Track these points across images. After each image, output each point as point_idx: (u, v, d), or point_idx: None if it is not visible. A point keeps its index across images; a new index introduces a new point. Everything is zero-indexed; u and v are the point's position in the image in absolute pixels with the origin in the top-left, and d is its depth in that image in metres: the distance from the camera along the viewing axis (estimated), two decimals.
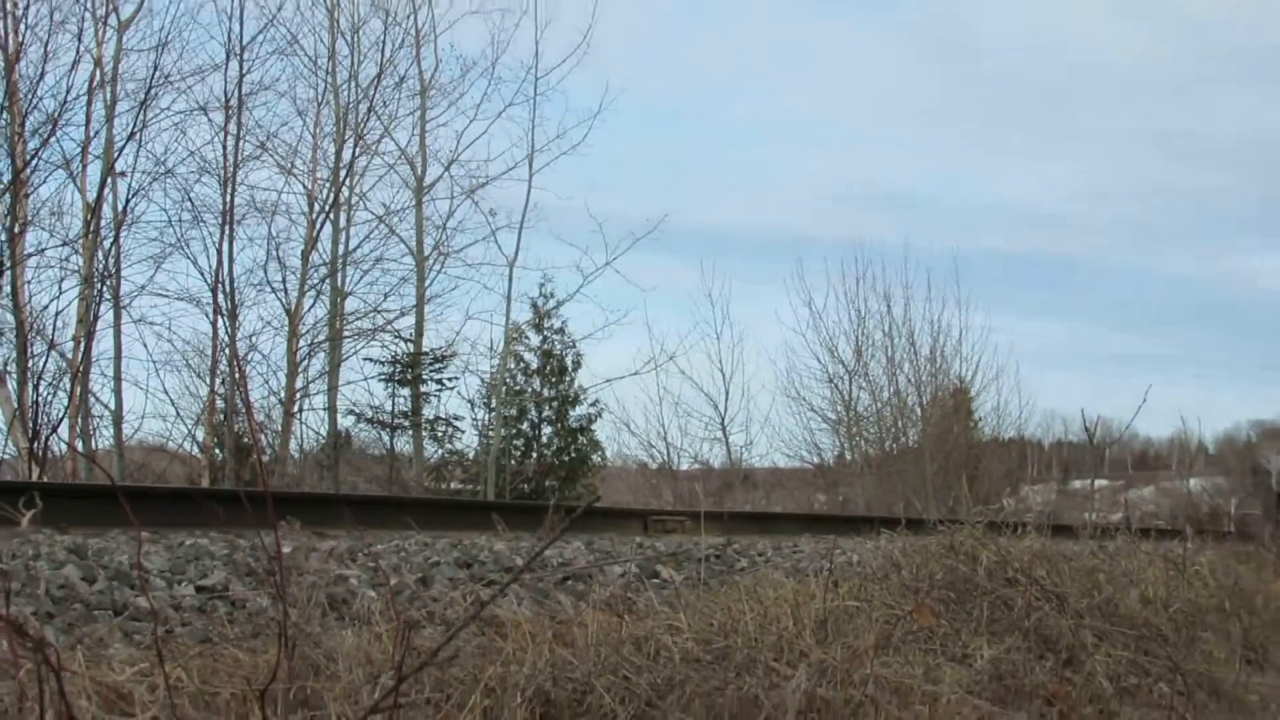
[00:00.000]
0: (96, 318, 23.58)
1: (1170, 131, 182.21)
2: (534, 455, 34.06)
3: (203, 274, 25.39)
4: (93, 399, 23.52)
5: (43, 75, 23.17)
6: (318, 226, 26.70)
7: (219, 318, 25.52)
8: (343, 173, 26.80)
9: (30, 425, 21.93)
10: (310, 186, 26.73)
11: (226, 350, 25.69)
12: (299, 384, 26.69)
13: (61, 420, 22.90)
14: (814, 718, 6.83)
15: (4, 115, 22.33)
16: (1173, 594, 12.28)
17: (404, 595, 8.09)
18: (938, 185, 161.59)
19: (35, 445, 21.82)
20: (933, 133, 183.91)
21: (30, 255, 22.65)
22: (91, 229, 23.39)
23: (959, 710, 7.80)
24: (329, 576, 8.00)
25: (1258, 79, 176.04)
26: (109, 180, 23.49)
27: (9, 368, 21.82)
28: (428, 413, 29.76)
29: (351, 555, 8.52)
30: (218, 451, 26.04)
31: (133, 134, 23.89)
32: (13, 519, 4.47)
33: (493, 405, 31.01)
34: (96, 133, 23.44)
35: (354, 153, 26.95)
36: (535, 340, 34.43)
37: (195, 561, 7.90)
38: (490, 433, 30.90)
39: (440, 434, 31.13)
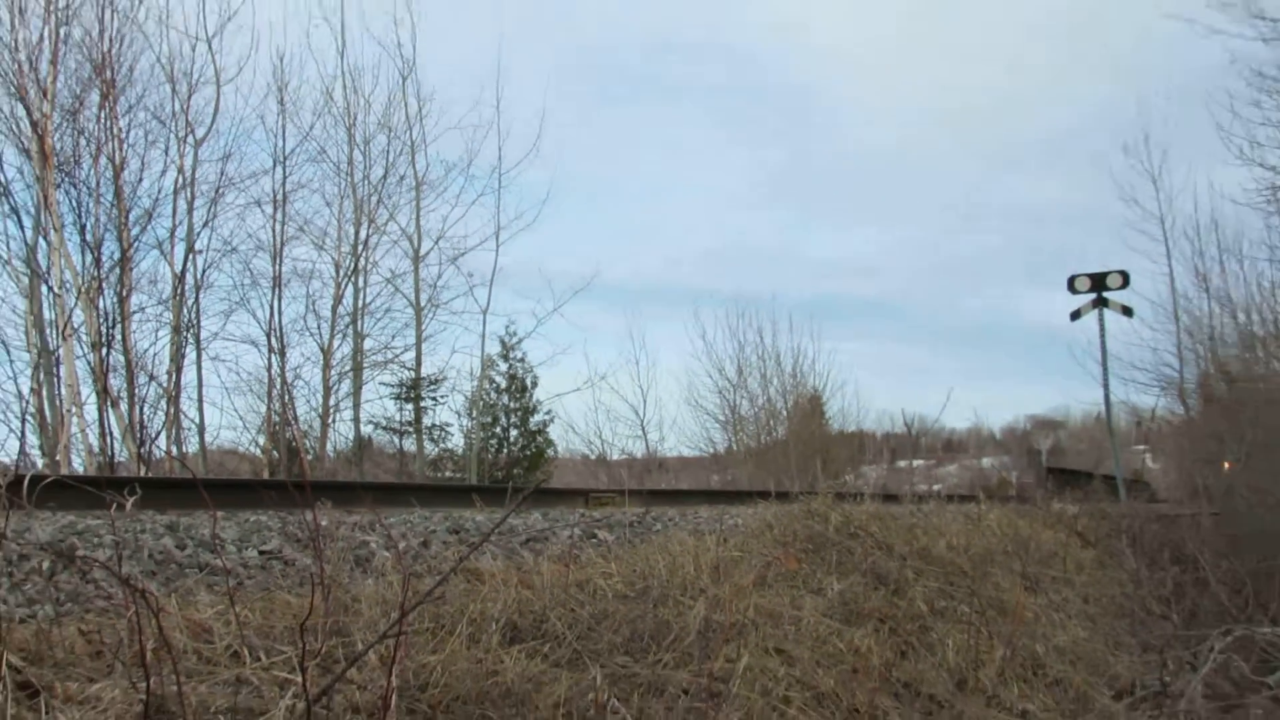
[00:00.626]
0: (183, 356, 23.53)
1: (956, 203, 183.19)
2: (504, 451, 34.06)
3: (260, 323, 25.40)
4: (183, 416, 23.43)
5: (140, 180, 23.14)
6: (343, 287, 26.74)
7: (272, 355, 25.53)
8: (360, 247, 26.87)
9: (137, 436, 21.84)
10: (336, 258, 26.76)
11: (279, 379, 25.67)
12: (331, 402, 26.68)
13: (160, 432, 22.84)
14: (710, 635, 6.85)
15: (114, 210, 22.26)
16: (970, 541, 12.37)
17: (409, 554, 8.11)
18: (794, 242, 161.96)
19: (141, 450, 21.73)
20: (785, 204, 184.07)
21: (135, 312, 22.58)
22: (178, 292, 23.33)
23: (815, 628, 7.84)
24: (354, 542, 8.02)
25: (1014, 166, 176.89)
26: (190, 257, 23.46)
27: (121, 394, 21.71)
28: (426, 421, 29.79)
29: (371, 526, 8.53)
30: (274, 453, 26.01)
31: (206, 222, 23.95)
32: (122, 503, 4.48)
33: (473, 415, 31.03)
34: (180, 222, 23.40)
35: (368, 232, 27.07)
36: (503, 367, 34.44)
37: (257, 533, 7.91)
38: (472, 435, 30.92)
39: (436, 437, 31.18)
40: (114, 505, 4.52)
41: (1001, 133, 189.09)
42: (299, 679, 4.26)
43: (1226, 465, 23.32)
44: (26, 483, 4.31)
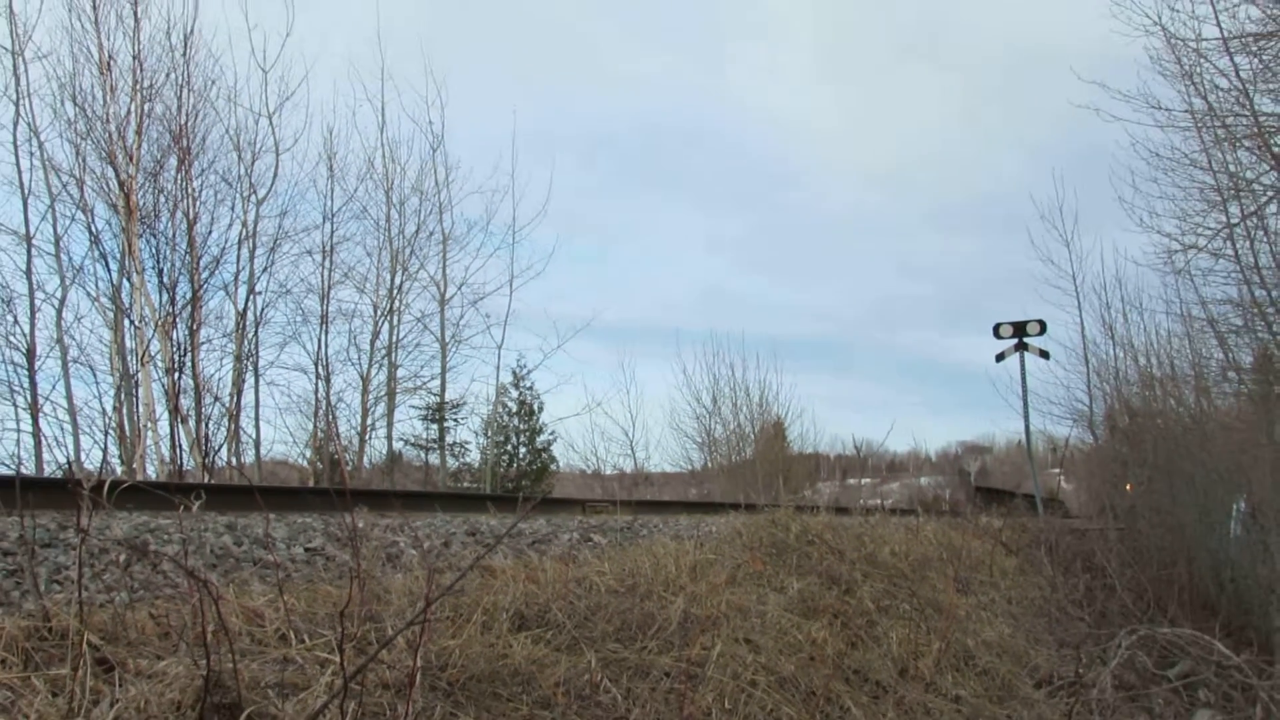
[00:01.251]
0: (244, 381, 23.51)
1: (898, 256, 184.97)
2: (515, 465, 34.15)
3: (309, 354, 25.44)
4: (242, 432, 23.42)
5: (210, 232, 23.26)
6: (379, 325, 26.75)
7: (319, 381, 25.53)
8: (395, 291, 26.91)
9: (203, 448, 21.82)
10: (375, 300, 26.78)
11: (324, 402, 25.69)
12: (368, 422, 26.62)
13: (222, 445, 22.82)
14: (689, 626, 6.83)
15: (187, 257, 22.33)
16: (910, 548, 12.35)
17: (433, 553, 8.09)
18: (761, 292, 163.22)
19: (206, 461, 21.70)
20: (754, 257, 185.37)
21: (203, 343, 22.61)
22: (240, 327, 23.35)
23: (778, 621, 7.82)
24: (386, 541, 8.00)
25: (945, 226, 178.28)
26: (250, 297, 23.52)
27: (190, 413, 21.70)
28: (449, 439, 29.76)
29: (400, 528, 8.51)
30: (319, 464, 25.99)
31: (265, 268, 24.02)
32: (189, 506, 4.46)
33: (489, 434, 31.05)
34: (243, 268, 23.44)
35: (401, 279, 27.09)
36: (515, 394, 34.56)
37: (304, 532, 7.89)
38: (487, 451, 30.93)
39: (456, 452, 31.20)
40: (181, 507, 4.50)
41: (934, 197, 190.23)
42: (337, 659, 4.24)
43: (1129, 487, 23.38)
44: (106, 487, 4.28)
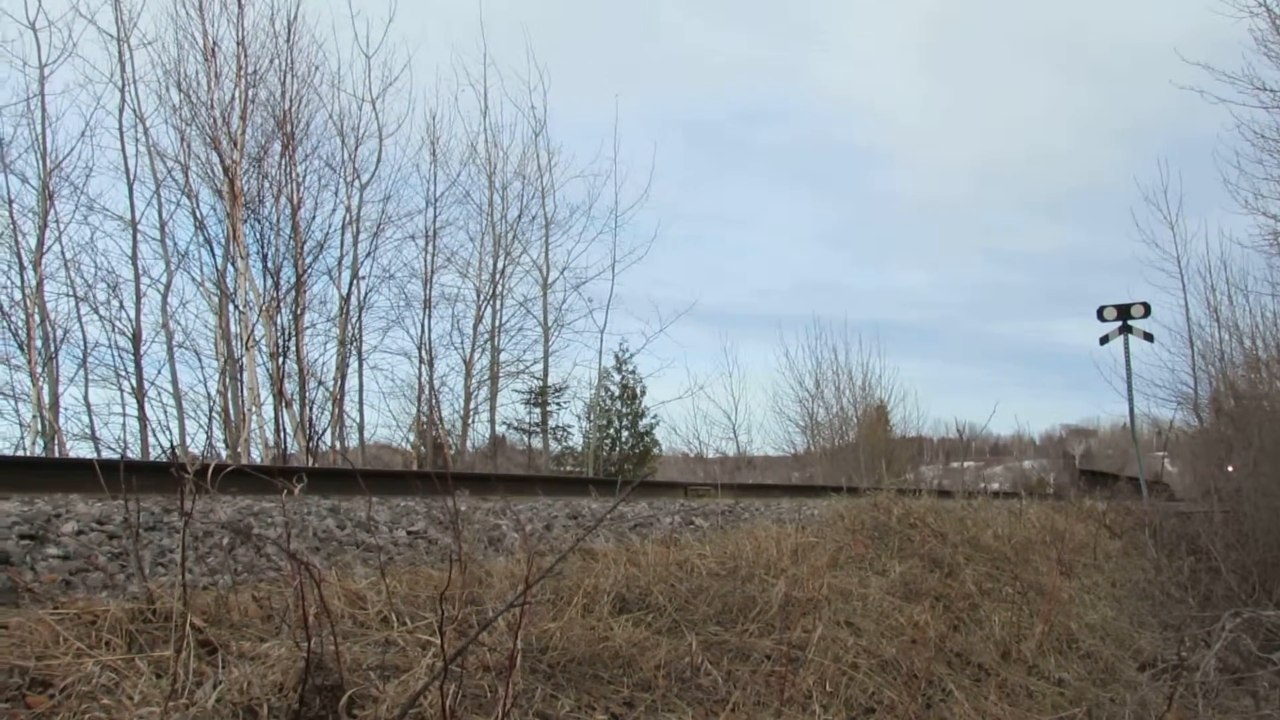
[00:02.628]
0: (347, 366, 23.69)
1: (992, 248, 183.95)
2: (617, 449, 34.13)
3: (412, 339, 25.58)
4: (346, 416, 23.60)
5: (314, 217, 23.43)
6: (482, 309, 26.85)
7: (422, 366, 25.67)
8: (497, 276, 26.99)
9: (307, 432, 22.01)
10: (478, 284, 26.89)
11: (427, 386, 25.81)
12: (471, 406, 26.76)
13: (326, 429, 22.99)
14: (789, 609, 6.79)
15: (291, 242, 22.53)
16: (1013, 532, 12.26)
17: (535, 536, 8.10)
18: (854, 278, 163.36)
19: (310, 445, 21.89)
20: (853, 244, 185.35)
21: (307, 328, 22.78)
22: (344, 311, 23.51)
23: (880, 604, 7.77)
24: (488, 525, 8.02)
25: (1039, 214, 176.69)
26: (354, 282, 23.65)
27: (294, 397, 21.89)
28: (551, 423, 29.79)
29: (502, 511, 8.52)
30: (422, 448, 26.15)
31: (369, 253, 24.16)
32: (291, 489, 4.47)
33: (591, 418, 31.05)
34: (346, 252, 23.58)
35: (504, 263, 27.18)
36: (617, 378, 34.51)
37: (406, 516, 7.92)
38: (590, 435, 30.95)
39: (559, 436, 31.23)
40: (284, 491, 4.51)
41: (1031, 187, 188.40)
42: (438, 641, 4.24)
43: (1230, 469, 23.13)
44: (210, 471, 4.30)
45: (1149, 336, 26.03)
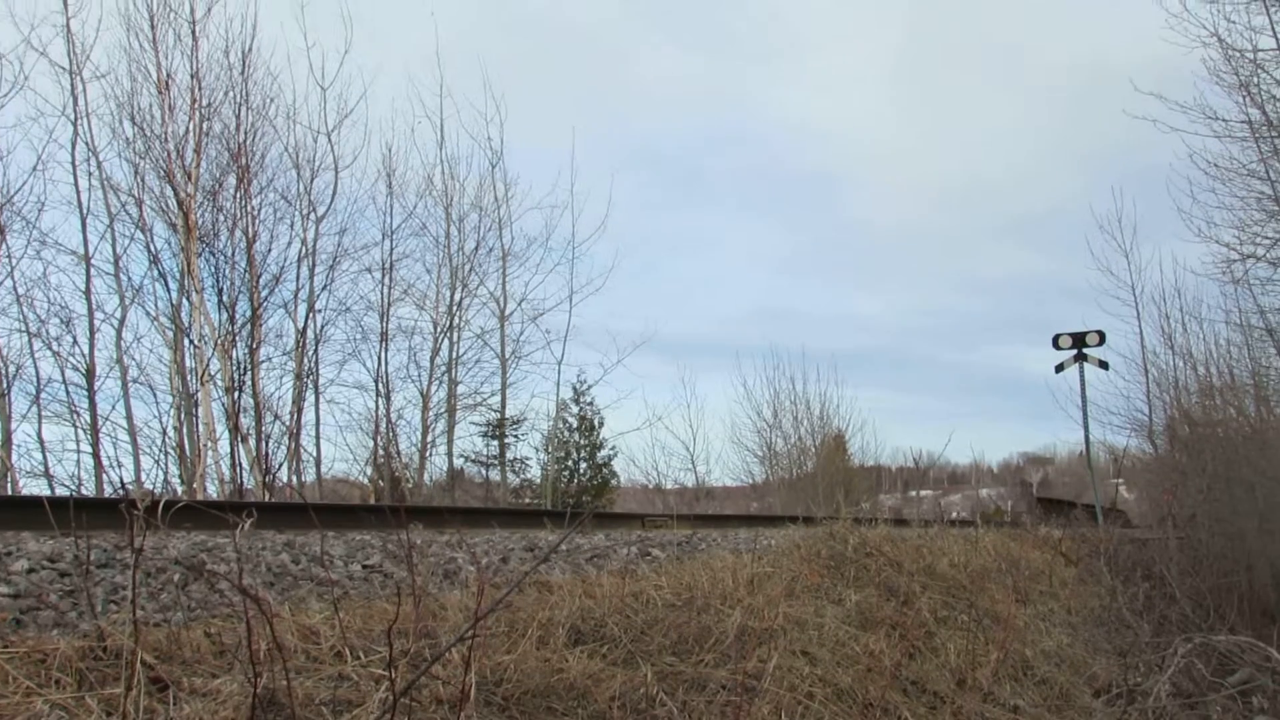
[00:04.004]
0: (304, 399, 23.61)
1: (954, 274, 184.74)
2: (575, 481, 34.18)
3: (369, 372, 25.57)
4: (302, 450, 23.55)
5: (269, 250, 23.39)
6: (439, 341, 26.85)
7: (379, 399, 25.65)
8: (455, 308, 27.02)
9: (263, 467, 21.96)
10: (435, 316, 26.88)
11: (384, 419, 25.80)
12: (429, 439, 26.75)
13: (282, 464, 22.93)
14: (745, 639, 6.82)
15: (247, 275, 22.51)
16: (969, 559, 12.31)
17: (491, 569, 8.10)
18: (814, 305, 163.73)
19: (266, 479, 21.84)
20: (811, 272, 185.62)
21: (263, 362, 22.73)
22: (300, 345, 23.47)
23: (836, 633, 7.80)
24: (444, 558, 8.01)
25: (1006, 238, 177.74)
26: (310, 315, 23.62)
27: (250, 431, 21.84)
28: (509, 455, 29.79)
29: (458, 544, 8.53)
30: (380, 482, 26.13)
31: (325, 286, 24.13)
32: (241, 523, 4.48)
33: (549, 450, 31.00)
34: (302, 285, 23.55)
35: (461, 295, 27.20)
36: (575, 409, 34.54)
37: (362, 550, 7.91)
38: (548, 467, 30.94)
39: (517, 469, 31.21)
40: (237, 526, 4.51)
41: (990, 212, 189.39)
42: (391, 675, 4.24)
43: (1166, 496, 23.39)
44: (161, 506, 4.29)
45: (1104, 364, 26.28)
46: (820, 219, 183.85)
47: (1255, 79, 17.49)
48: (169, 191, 21.75)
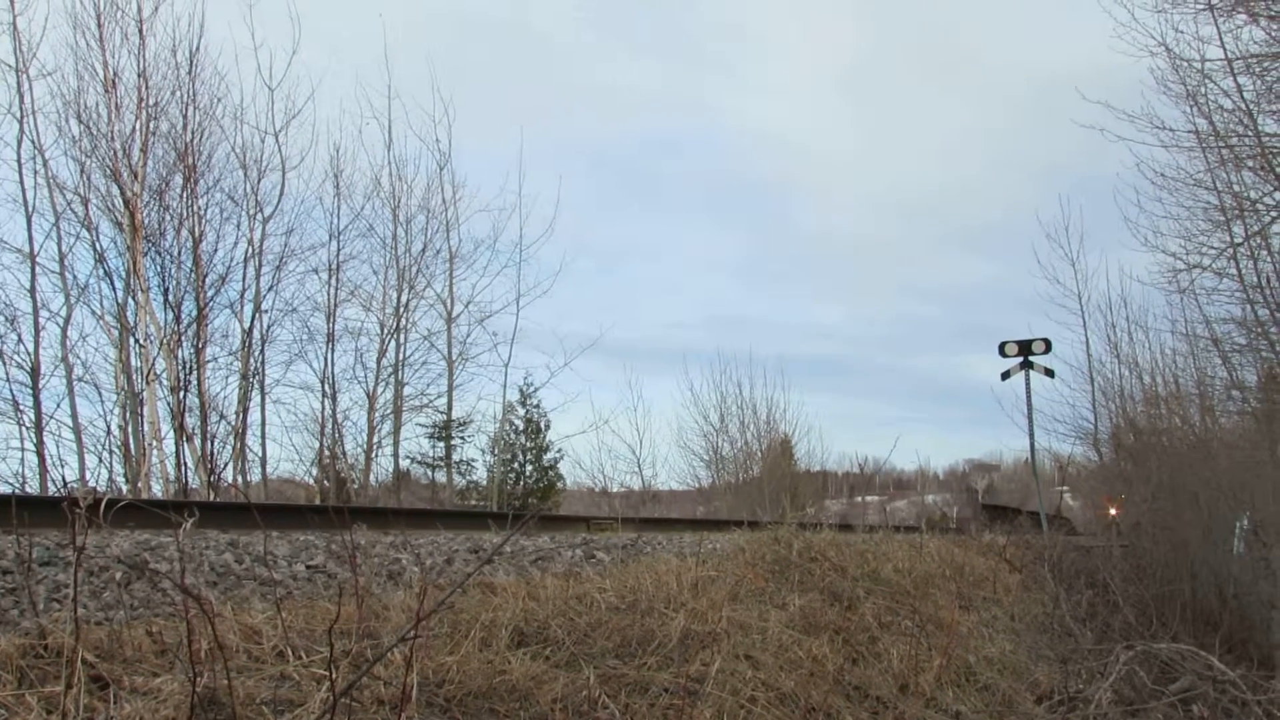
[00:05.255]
0: (249, 399, 23.53)
1: (902, 280, 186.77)
2: (521, 483, 34.22)
3: (315, 372, 25.47)
4: (248, 450, 23.45)
5: (216, 250, 23.29)
6: (386, 343, 26.76)
7: (325, 400, 25.55)
8: (401, 309, 26.91)
9: (208, 467, 21.86)
10: (381, 318, 26.81)
11: (330, 420, 25.72)
12: (375, 440, 26.63)
13: (228, 464, 22.83)
14: (689, 642, 6.85)
15: (193, 275, 22.41)
16: (914, 565, 12.36)
17: (435, 570, 8.11)
18: (766, 311, 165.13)
19: (211, 479, 21.74)
20: (761, 278, 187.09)
21: (208, 362, 22.62)
22: (246, 345, 23.38)
23: (779, 638, 7.83)
24: (389, 559, 8.02)
25: (953, 248, 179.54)
26: (256, 315, 23.50)
27: (196, 431, 21.73)
28: (456, 457, 29.75)
29: (403, 545, 8.53)
30: (325, 482, 26.06)
31: (271, 286, 24.00)
32: (182, 522, 4.49)
33: (495, 452, 30.97)
34: (249, 286, 23.45)
35: (408, 297, 27.09)
36: (522, 412, 34.63)
37: (306, 550, 7.90)
38: (494, 469, 30.91)
39: (463, 470, 31.24)
40: (181, 525, 4.51)
41: (940, 222, 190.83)
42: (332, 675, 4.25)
43: (1106, 500, 23.48)
44: (104, 505, 4.29)
45: (1050, 372, 26.40)
46: (775, 226, 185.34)
47: (1203, 89, 17.61)
48: (115, 190, 21.68)
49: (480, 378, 29.34)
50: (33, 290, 19.98)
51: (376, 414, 26.98)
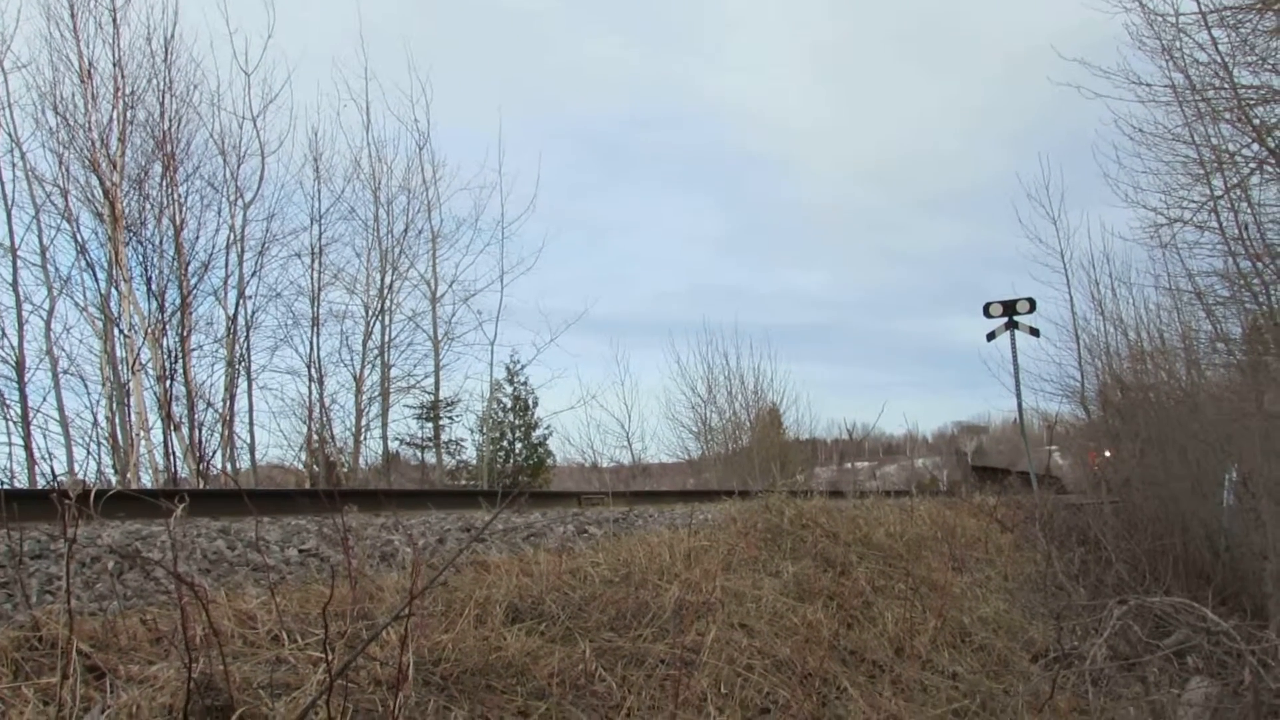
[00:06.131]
0: (236, 386, 23.46)
1: (885, 247, 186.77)
2: (511, 461, 34.17)
3: (301, 357, 25.42)
4: (236, 437, 23.41)
5: (197, 237, 23.23)
6: (371, 325, 26.73)
7: (312, 384, 25.51)
8: (385, 291, 26.88)
9: (197, 455, 21.83)
10: (365, 300, 26.77)
11: (318, 404, 25.69)
12: (363, 423, 26.63)
13: (216, 451, 22.79)
14: (683, 613, 6.85)
15: (175, 263, 22.35)
16: (905, 529, 12.38)
17: (427, 550, 8.10)
18: (751, 281, 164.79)
19: (200, 467, 21.71)
20: (746, 248, 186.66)
21: (194, 350, 22.57)
22: (231, 332, 23.33)
23: (773, 605, 7.85)
24: (381, 540, 8.01)
25: (934, 213, 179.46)
26: (240, 302, 23.44)
27: (183, 420, 21.69)
28: (444, 437, 29.72)
29: (395, 527, 8.53)
30: (315, 467, 26.03)
31: (254, 272, 23.93)
32: (173, 509, 4.48)
33: (484, 431, 30.94)
34: (232, 272, 23.37)
35: (392, 278, 27.06)
36: (509, 390, 34.53)
37: (298, 534, 7.89)
38: (483, 448, 30.89)
39: (452, 450, 31.17)
40: (172, 513, 4.51)
41: (921, 188, 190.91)
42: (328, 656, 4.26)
43: (1091, 455, 23.49)
44: (93, 496, 4.29)
45: (1035, 332, 26.32)
46: (757, 198, 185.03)
47: (1178, 43, 17.55)
48: (94, 181, 21.62)
49: (466, 357, 29.53)
50: (15, 283, 19.95)
51: (364, 396, 26.98)
